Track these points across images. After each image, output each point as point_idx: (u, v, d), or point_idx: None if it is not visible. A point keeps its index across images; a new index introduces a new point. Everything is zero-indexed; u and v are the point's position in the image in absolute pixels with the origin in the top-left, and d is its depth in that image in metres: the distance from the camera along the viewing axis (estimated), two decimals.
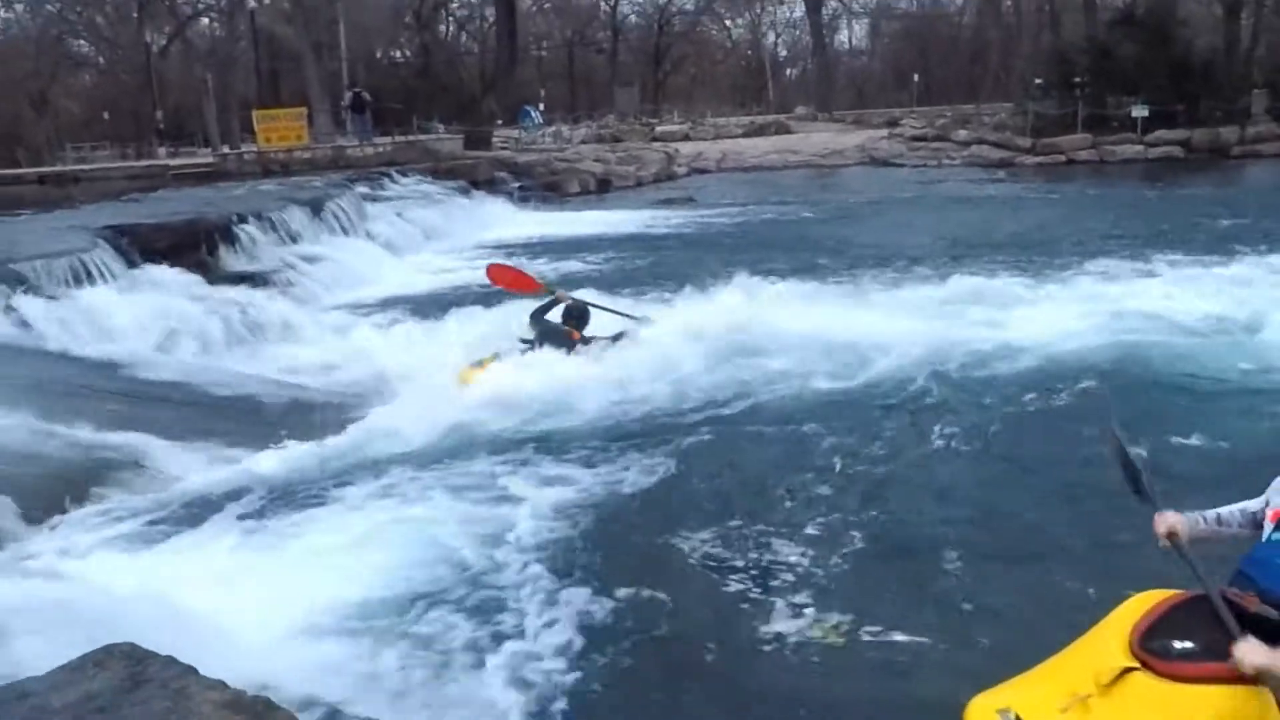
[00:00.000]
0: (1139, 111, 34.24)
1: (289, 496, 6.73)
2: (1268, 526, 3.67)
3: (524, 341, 9.86)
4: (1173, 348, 9.94)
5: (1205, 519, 3.86)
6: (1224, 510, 3.89)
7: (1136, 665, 3.37)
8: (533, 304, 10.37)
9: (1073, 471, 6.93)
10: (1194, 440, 7.34)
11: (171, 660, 3.27)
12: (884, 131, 42.38)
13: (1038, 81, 40.59)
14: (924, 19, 66.81)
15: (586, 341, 9.84)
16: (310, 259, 16.06)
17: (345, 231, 18.48)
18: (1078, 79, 36.87)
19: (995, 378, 9.32)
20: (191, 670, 3.24)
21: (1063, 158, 33.61)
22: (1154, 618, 3.54)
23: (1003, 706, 3.54)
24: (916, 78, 59.59)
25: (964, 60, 61.66)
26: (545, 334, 9.80)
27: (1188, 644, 3.39)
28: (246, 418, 8.60)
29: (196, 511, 6.51)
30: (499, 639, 4.82)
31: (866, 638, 4.82)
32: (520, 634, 4.87)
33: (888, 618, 4.97)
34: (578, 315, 9.99)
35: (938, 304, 12.24)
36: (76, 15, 51.41)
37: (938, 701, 3.98)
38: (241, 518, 6.40)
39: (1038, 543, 5.85)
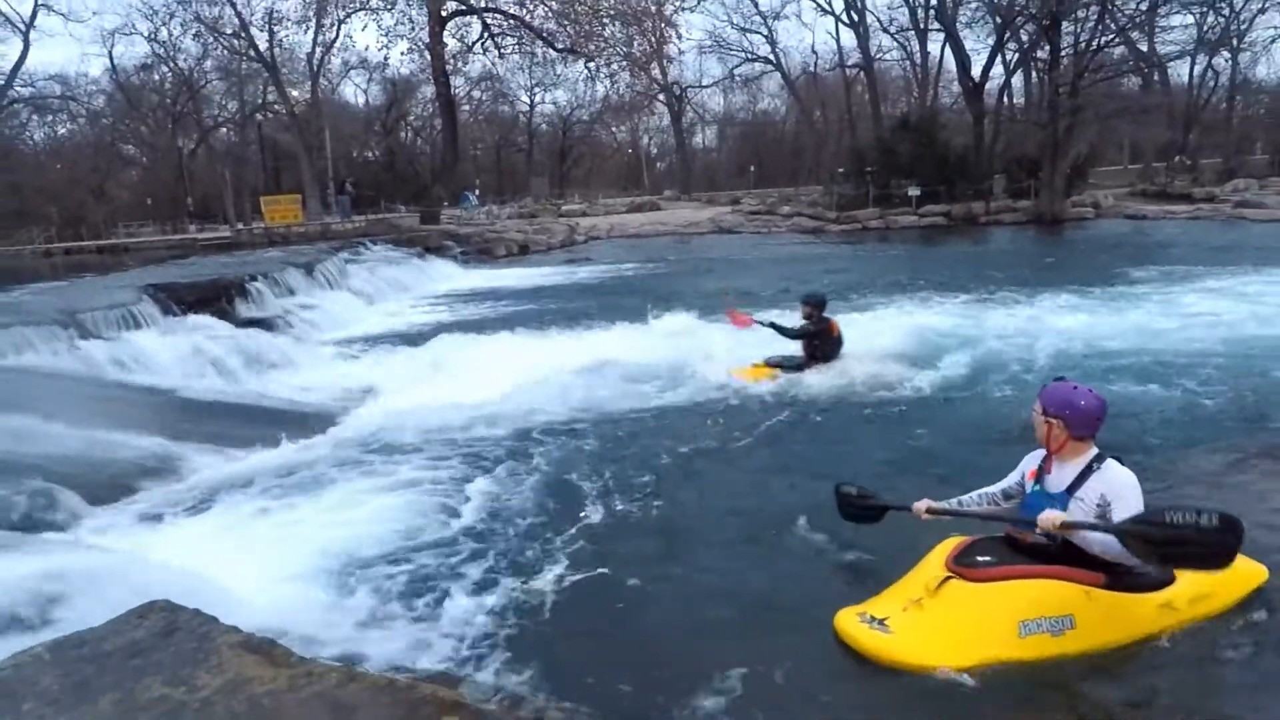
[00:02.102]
0: (913, 191, 34.69)
1: (290, 483, 6.61)
2: (1029, 484, 3.99)
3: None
4: (929, 352, 10.11)
5: (949, 502, 4.18)
6: (962, 497, 4.20)
7: (951, 575, 3.75)
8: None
9: (894, 449, 6.95)
10: (935, 431, 7.36)
11: (198, 612, 3.28)
12: (729, 208, 42.77)
13: (840, 170, 41.52)
14: (757, 125, 67.31)
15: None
16: (305, 307, 15.84)
17: (331, 286, 18.23)
18: (869, 168, 37.30)
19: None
20: (214, 619, 3.25)
21: (859, 225, 33.84)
22: (961, 548, 3.91)
23: (862, 612, 3.87)
24: (752, 168, 60.15)
25: (787, 155, 62.42)
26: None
27: (987, 558, 3.79)
28: (257, 426, 8.42)
29: (217, 497, 6.39)
30: (459, 585, 4.80)
31: (753, 582, 4.74)
32: (475, 580, 4.85)
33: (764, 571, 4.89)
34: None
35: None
36: (125, 126, 50.43)
37: (816, 617, 4.11)
38: (253, 501, 6.27)
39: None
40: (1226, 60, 48.55)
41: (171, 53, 44.61)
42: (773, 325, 9.53)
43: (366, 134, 56.47)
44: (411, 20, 35.21)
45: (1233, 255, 19.29)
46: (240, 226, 30.44)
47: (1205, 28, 43.38)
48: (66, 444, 7.16)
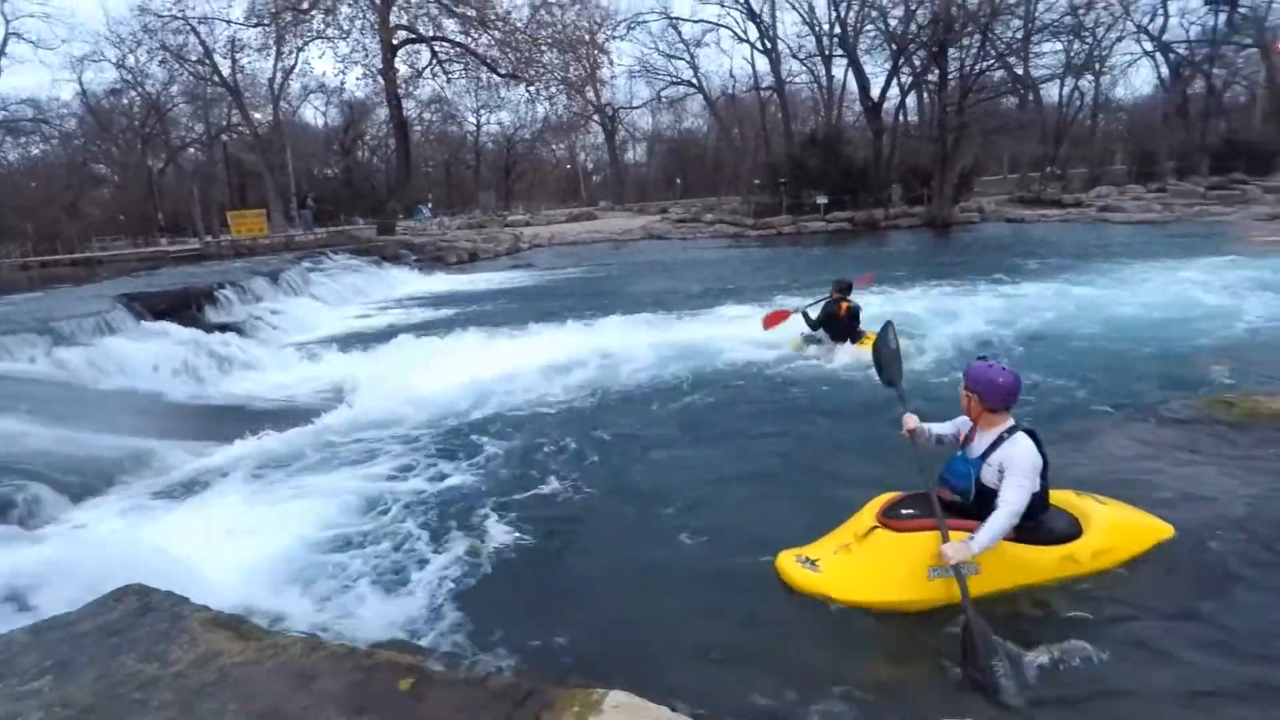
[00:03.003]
0: (821, 200, 34.95)
1: (259, 474, 6.55)
2: (958, 447, 4.12)
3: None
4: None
5: (931, 432, 4.24)
6: (940, 431, 4.25)
7: (878, 525, 3.95)
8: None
9: (828, 423, 7.08)
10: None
11: (170, 594, 3.26)
12: (658, 216, 42.57)
13: (756, 181, 41.60)
14: (682, 142, 67.04)
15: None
16: (272, 312, 15.48)
17: (295, 293, 17.84)
18: (782, 179, 37.47)
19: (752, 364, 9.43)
20: (185, 600, 3.22)
21: (774, 230, 34.07)
22: (891, 502, 4.09)
23: (799, 554, 4.09)
24: (678, 180, 60.09)
25: (709, 168, 62.18)
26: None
27: (910, 511, 3.97)
28: (227, 422, 8.24)
29: (190, 489, 6.31)
30: (418, 560, 4.79)
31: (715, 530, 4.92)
32: (433, 554, 4.84)
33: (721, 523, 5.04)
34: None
35: (705, 321, 12.55)
36: (96, 147, 48.32)
37: (760, 559, 4.31)
38: (224, 492, 6.19)
39: (816, 471, 5.89)
40: (1090, 82, 50.25)
41: (139, 78, 42.94)
42: (804, 314, 9.84)
43: (326, 153, 55.17)
44: (365, 48, 34.56)
45: (1099, 251, 20.06)
46: (209, 239, 29.35)
47: (1072, 54, 45.01)
48: (45, 444, 6.96)
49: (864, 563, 3.91)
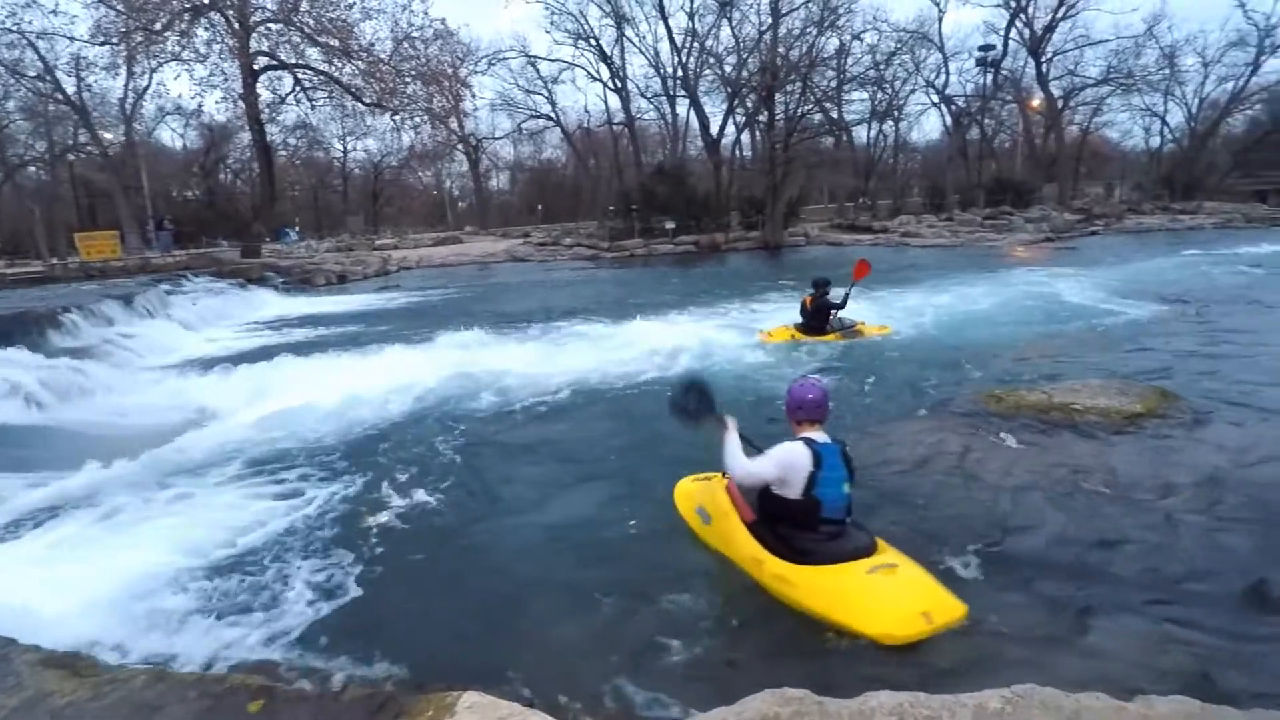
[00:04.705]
0: (669, 225, 35.77)
1: (104, 501, 5.88)
2: None
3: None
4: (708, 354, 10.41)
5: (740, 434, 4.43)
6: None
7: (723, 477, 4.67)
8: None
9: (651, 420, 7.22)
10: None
11: None
12: (521, 240, 42.19)
13: (611, 208, 42.23)
14: (542, 172, 67.15)
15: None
16: (126, 336, 14.03)
17: (152, 315, 16.28)
18: (634, 206, 38.14)
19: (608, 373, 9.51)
20: (11, 641, 2.91)
21: (628, 253, 34.39)
22: None
23: (698, 476, 5.11)
24: (539, 207, 60.22)
25: (567, 196, 62.53)
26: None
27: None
28: (71, 451, 7.29)
29: (26, 523, 5.61)
30: (271, 582, 4.47)
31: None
32: (284, 578, 4.53)
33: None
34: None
35: (574, 336, 12.44)
36: None
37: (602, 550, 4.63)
38: (63, 524, 5.52)
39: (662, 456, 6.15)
40: (891, 127, 54.21)
41: None
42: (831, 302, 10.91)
43: (186, 175, 51.16)
44: (224, 73, 32.20)
45: (905, 269, 21.81)
46: (54, 261, 26.24)
47: (875, 102, 48.61)
48: None
49: (695, 490, 4.98)
